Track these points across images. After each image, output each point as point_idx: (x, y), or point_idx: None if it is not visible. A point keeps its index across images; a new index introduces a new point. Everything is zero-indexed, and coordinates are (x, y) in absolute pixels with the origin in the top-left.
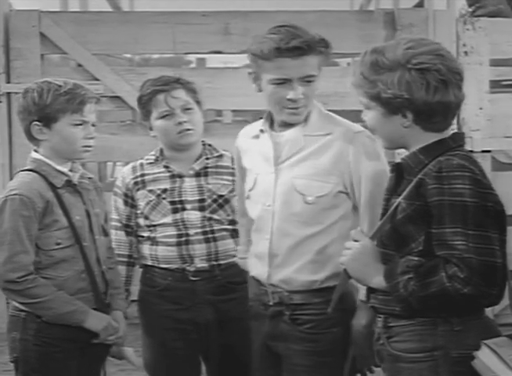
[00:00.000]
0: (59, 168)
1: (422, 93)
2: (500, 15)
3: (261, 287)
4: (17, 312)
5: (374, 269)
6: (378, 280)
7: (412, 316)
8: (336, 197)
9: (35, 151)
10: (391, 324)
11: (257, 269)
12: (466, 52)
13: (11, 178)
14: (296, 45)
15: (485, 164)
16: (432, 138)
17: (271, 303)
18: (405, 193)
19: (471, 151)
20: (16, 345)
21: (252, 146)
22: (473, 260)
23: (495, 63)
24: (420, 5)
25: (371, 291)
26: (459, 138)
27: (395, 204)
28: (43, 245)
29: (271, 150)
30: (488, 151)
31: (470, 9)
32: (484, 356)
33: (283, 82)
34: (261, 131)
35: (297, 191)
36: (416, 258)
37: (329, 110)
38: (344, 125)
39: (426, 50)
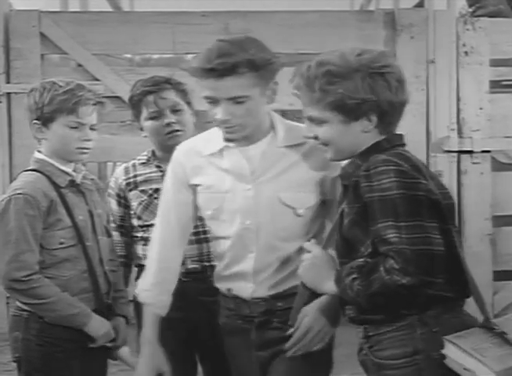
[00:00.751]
0: (62, 167)
1: (387, 94)
2: (500, 15)
3: (240, 302)
4: (19, 312)
5: (326, 276)
6: (330, 286)
7: (394, 320)
8: (317, 205)
9: (38, 151)
10: (370, 333)
11: (237, 286)
12: (466, 52)
13: (11, 179)
14: (214, 66)
15: (485, 164)
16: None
17: (255, 314)
18: (346, 199)
19: (471, 151)
20: (18, 345)
21: (212, 163)
22: (407, 250)
23: (496, 63)
24: (420, 5)
25: (344, 303)
26: (395, 138)
27: (339, 211)
28: (47, 244)
29: (245, 166)
30: (488, 151)
31: (470, 9)
32: (449, 352)
33: (212, 101)
34: (227, 146)
35: (285, 205)
36: (361, 260)
37: None
38: None
39: (378, 54)
